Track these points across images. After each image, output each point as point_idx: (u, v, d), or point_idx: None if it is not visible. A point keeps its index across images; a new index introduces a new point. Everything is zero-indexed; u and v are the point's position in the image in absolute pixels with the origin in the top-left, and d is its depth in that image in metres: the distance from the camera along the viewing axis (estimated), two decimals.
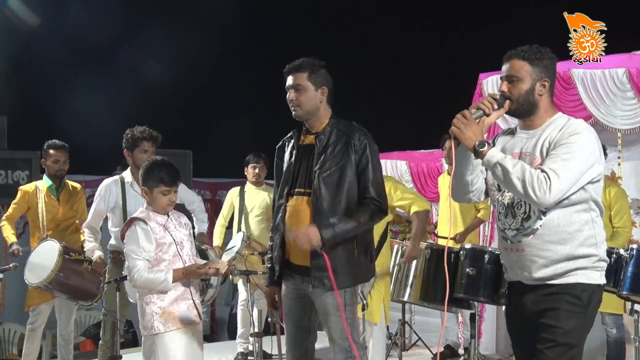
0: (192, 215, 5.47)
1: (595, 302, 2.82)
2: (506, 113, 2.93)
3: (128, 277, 3.67)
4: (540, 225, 2.81)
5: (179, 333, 3.62)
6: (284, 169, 3.67)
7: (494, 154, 2.74)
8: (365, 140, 3.50)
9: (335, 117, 3.60)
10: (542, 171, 2.69)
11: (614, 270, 4.76)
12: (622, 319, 5.43)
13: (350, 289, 3.50)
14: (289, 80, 3.56)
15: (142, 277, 3.56)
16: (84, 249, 5.13)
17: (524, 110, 2.92)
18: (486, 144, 2.76)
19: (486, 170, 2.95)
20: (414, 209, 5.08)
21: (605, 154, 5.39)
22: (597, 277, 2.82)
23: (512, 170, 2.69)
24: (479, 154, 2.76)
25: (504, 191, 2.92)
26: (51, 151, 5.58)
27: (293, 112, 3.57)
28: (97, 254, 4.99)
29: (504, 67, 2.94)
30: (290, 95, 3.54)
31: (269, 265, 3.73)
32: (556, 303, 2.77)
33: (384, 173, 7.80)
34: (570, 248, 2.78)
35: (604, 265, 2.84)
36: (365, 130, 3.56)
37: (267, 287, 3.78)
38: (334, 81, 3.61)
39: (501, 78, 2.95)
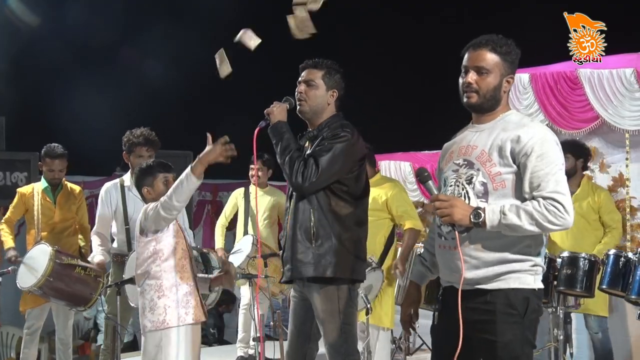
0: None
1: (534, 308, 2.69)
2: (468, 107, 2.81)
3: (164, 209, 3.49)
4: None
5: (188, 329, 3.60)
6: None
7: (492, 217, 2.59)
8: (339, 132, 3.42)
9: (334, 117, 3.55)
10: (544, 198, 2.59)
11: (622, 274, 4.72)
12: (606, 322, 5.39)
13: (345, 295, 3.42)
14: (303, 75, 3.56)
15: (166, 196, 3.47)
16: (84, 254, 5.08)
17: (487, 106, 2.78)
18: (479, 212, 2.60)
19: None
20: (408, 224, 5.07)
21: (590, 155, 5.56)
22: (531, 281, 2.70)
23: (521, 222, 2.57)
24: (479, 226, 2.61)
25: (447, 187, 2.82)
26: (47, 159, 5.44)
27: (298, 107, 3.55)
28: (97, 258, 4.92)
29: (470, 55, 2.76)
30: (300, 88, 3.53)
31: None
32: (491, 315, 2.67)
33: (387, 175, 7.77)
34: (504, 249, 2.67)
35: (539, 270, 2.74)
36: (350, 129, 3.46)
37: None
38: None
39: (464, 67, 2.78)
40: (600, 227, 5.42)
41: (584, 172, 5.54)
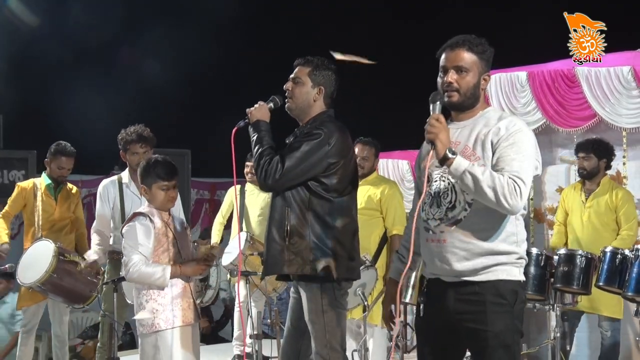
0: None
1: (522, 299, 2.79)
2: (449, 106, 2.87)
3: (124, 271, 3.62)
4: (464, 217, 2.76)
5: (179, 331, 3.61)
6: None
7: (461, 161, 2.65)
8: (314, 130, 3.41)
9: (320, 115, 3.53)
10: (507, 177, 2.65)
11: (619, 271, 4.72)
12: (620, 324, 5.39)
13: (328, 294, 3.40)
14: (293, 72, 3.57)
15: (138, 270, 3.54)
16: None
17: (467, 104, 2.86)
18: (455, 151, 2.68)
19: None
20: (394, 231, 5.09)
21: (614, 155, 5.40)
22: (517, 273, 2.78)
23: (482, 177, 2.61)
24: (446, 161, 2.67)
25: (432, 183, 2.86)
26: (63, 158, 5.42)
27: (286, 104, 3.57)
28: (91, 257, 4.90)
29: (448, 56, 2.84)
30: (287, 85, 3.55)
31: None
32: (481, 305, 2.73)
33: (385, 175, 7.76)
34: (491, 242, 2.74)
35: (523, 263, 2.82)
36: (327, 127, 3.42)
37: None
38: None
39: (443, 67, 2.85)
40: (617, 226, 5.35)
41: (607, 172, 5.49)
